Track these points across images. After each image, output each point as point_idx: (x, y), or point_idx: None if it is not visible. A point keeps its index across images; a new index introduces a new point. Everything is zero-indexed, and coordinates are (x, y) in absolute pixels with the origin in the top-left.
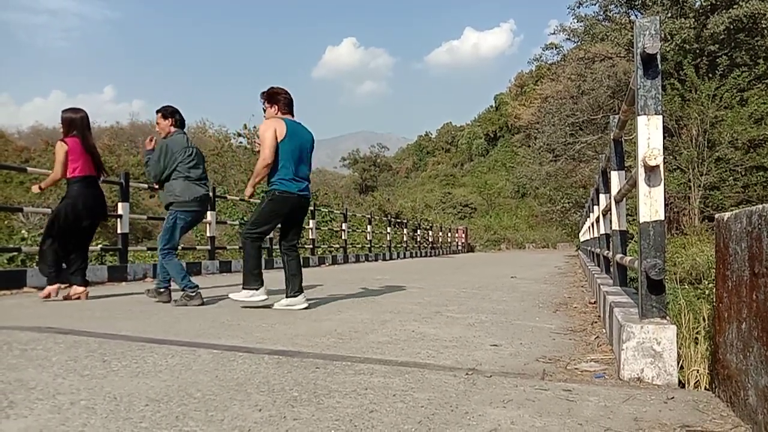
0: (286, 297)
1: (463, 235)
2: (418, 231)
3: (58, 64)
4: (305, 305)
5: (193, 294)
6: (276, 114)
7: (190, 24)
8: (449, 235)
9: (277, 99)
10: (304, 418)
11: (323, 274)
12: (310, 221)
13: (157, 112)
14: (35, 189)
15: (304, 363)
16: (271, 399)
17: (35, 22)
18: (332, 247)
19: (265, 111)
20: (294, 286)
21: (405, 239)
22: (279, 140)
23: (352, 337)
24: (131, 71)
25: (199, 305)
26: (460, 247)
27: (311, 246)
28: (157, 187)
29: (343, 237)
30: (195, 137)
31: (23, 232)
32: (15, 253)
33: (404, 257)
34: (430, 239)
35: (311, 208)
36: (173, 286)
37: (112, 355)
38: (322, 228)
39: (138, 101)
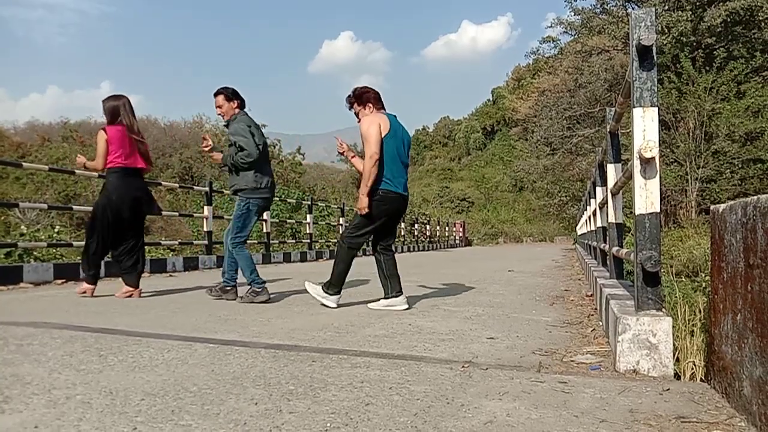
0: (385, 298)
1: (461, 229)
2: (416, 225)
3: (54, 60)
4: (405, 306)
5: (260, 290)
6: (371, 111)
7: (187, 19)
8: (447, 229)
9: (367, 97)
10: (300, 411)
11: (321, 268)
12: (308, 216)
13: (219, 93)
14: (79, 161)
15: (301, 357)
16: (267, 392)
17: (32, 17)
18: (330, 241)
19: (357, 114)
20: (394, 286)
21: (402, 233)
22: (383, 135)
23: (349, 331)
24: (128, 66)
25: (264, 301)
26: (457, 241)
27: (309, 240)
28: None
29: (340, 231)
30: (192, 132)
31: (22, 227)
32: (12, 249)
33: (402, 251)
34: (428, 233)
35: (308, 202)
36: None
37: (109, 350)
38: (319, 223)
39: (135, 96)
